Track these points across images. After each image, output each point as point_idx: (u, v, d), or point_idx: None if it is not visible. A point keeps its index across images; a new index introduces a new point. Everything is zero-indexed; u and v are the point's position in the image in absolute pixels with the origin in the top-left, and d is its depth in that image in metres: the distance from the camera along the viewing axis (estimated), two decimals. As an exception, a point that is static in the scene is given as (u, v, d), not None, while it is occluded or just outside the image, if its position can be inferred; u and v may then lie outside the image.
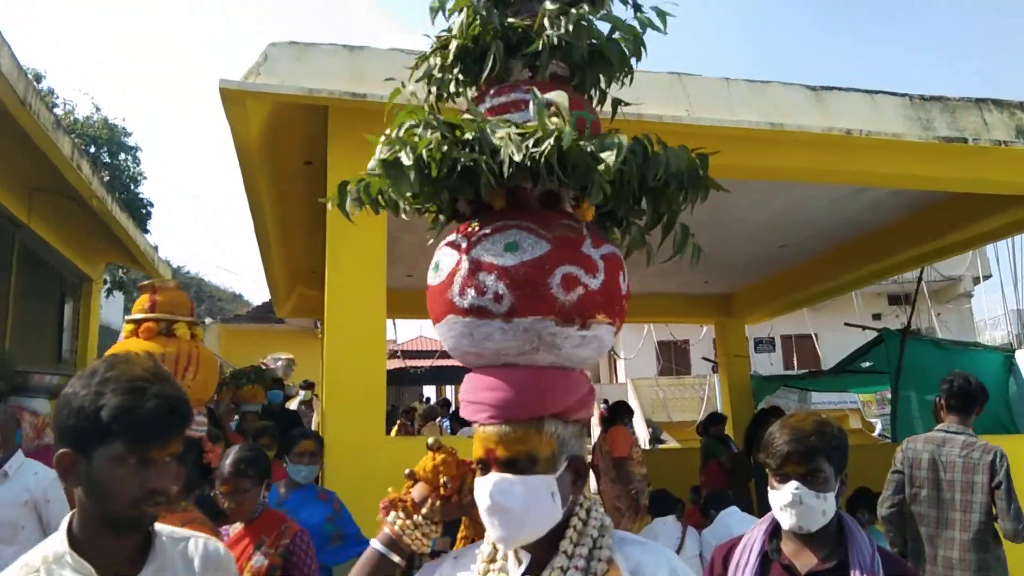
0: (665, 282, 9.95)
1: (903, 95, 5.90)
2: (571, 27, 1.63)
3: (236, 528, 3.07)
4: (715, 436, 8.59)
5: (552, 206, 1.62)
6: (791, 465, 2.06)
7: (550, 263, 1.48)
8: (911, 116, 5.79)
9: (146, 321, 3.24)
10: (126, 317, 3.39)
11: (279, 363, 9.04)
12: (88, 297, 10.59)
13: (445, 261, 1.58)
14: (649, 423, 20.13)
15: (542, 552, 1.44)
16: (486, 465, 1.45)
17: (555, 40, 1.63)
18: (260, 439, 5.45)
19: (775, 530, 2.17)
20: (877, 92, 5.85)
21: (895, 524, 4.29)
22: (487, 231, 1.54)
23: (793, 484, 2.05)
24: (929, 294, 19.05)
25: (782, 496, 2.07)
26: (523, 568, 1.45)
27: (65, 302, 9.91)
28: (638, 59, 1.76)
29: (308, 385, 11.72)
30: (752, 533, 2.20)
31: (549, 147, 1.42)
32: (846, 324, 10.84)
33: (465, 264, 1.52)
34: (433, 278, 1.60)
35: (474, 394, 1.51)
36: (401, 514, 1.60)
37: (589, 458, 7.29)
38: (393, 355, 19.84)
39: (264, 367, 8.40)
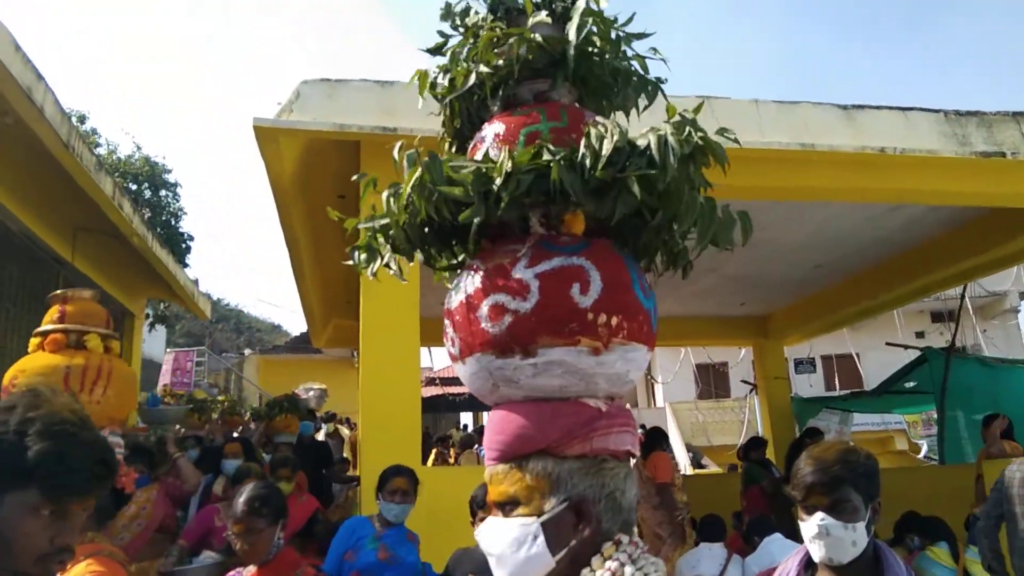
0: (701, 304, 9.87)
1: (937, 111, 5.82)
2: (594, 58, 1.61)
3: (250, 571, 2.88)
4: (756, 461, 8.45)
5: (522, 230, 1.54)
6: (816, 496, 2.01)
7: (477, 297, 1.43)
8: (946, 132, 5.71)
9: (53, 333, 3.02)
10: (35, 330, 3.16)
11: (311, 393, 8.95)
12: (130, 332, 10.80)
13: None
14: (689, 447, 19.88)
15: None
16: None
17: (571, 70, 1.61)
18: (278, 471, 5.34)
19: (810, 560, 2.12)
20: (910, 109, 5.78)
21: (990, 537, 4.67)
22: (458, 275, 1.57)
23: (819, 515, 2.00)
24: (973, 310, 18.62)
25: (809, 528, 2.02)
26: None
27: (108, 337, 10.11)
28: (650, 99, 1.73)
29: (331, 417, 11.74)
30: (787, 564, 2.15)
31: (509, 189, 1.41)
32: (887, 344, 10.65)
33: (446, 318, 1.55)
34: None
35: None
36: None
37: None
38: (430, 382, 19.87)
39: (294, 395, 8.32)
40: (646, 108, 1.78)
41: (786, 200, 5.80)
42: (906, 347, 10.29)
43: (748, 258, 7.70)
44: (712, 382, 23.13)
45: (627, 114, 1.79)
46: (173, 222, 16.09)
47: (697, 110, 1.57)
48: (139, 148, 16.73)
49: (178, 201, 16.58)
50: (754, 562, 4.92)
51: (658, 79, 1.71)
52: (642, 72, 1.70)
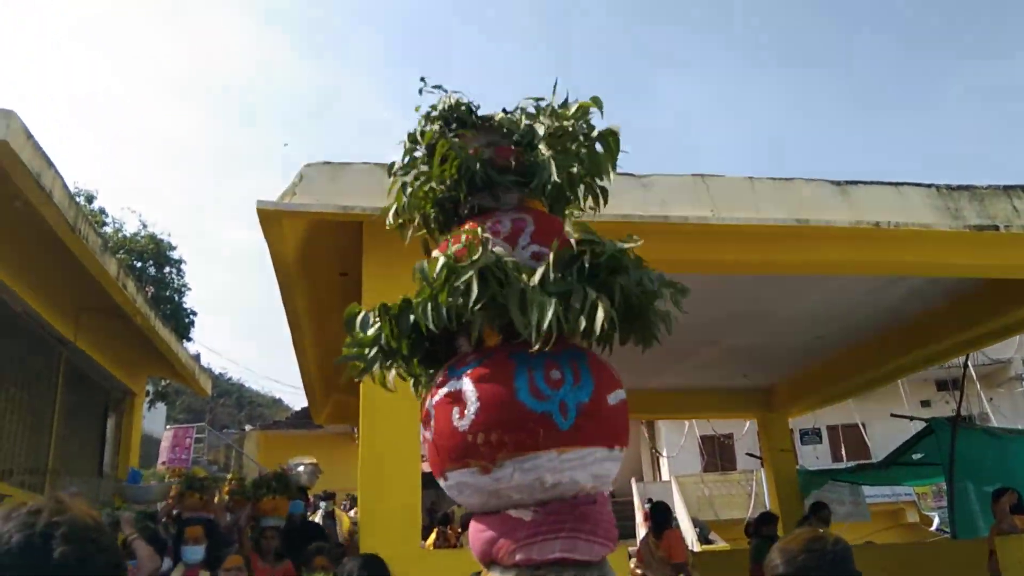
0: (703, 376, 9.83)
1: (929, 185, 5.92)
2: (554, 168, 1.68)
3: None
4: (766, 536, 8.29)
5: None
6: None
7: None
8: (939, 206, 5.79)
9: None
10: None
11: (301, 468, 7.84)
12: (131, 410, 10.76)
13: None
14: (696, 522, 19.48)
15: None
16: None
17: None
18: (313, 561, 4.99)
19: None
20: (902, 184, 5.87)
21: None
22: None
23: None
24: (978, 379, 18.49)
25: None
26: None
27: (108, 416, 10.07)
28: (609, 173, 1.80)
29: (328, 496, 11.16)
30: None
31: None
32: (892, 415, 10.56)
33: None
34: None
35: None
36: None
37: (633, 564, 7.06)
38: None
39: (283, 472, 7.34)
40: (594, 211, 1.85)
41: (784, 275, 5.85)
42: (912, 418, 10.20)
43: (750, 330, 7.72)
44: (718, 454, 22.84)
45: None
46: (176, 298, 16.20)
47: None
48: (144, 226, 16.98)
49: (182, 278, 16.74)
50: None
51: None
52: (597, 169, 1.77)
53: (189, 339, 16.05)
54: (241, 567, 3.78)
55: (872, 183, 5.83)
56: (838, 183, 5.78)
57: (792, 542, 2.09)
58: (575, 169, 1.70)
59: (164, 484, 6.86)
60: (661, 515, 7.40)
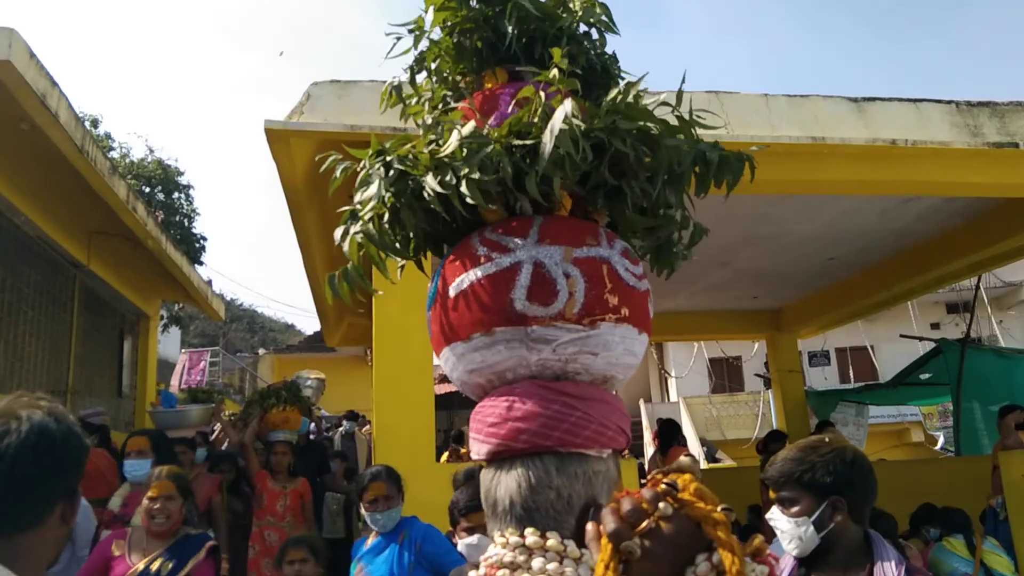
0: (714, 298, 9.85)
1: (949, 102, 5.79)
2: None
3: None
4: (775, 454, 8.42)
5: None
6: (772, 491, 2.12)
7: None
8: (958, 123, 5.68)
9: None
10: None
11: (308, 383, 7.23)
12: (146, 333, 10.90)
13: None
14: (703, 442, 19.85)
15: None
16: None
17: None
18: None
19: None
20: (921, 100, 5.75)
21: None
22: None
23: (773, 508, 2.10)
24: (989, 301, 18.49)
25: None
26: None
27: (124, 339, 10.22)
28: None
29: (352, 416, 10.83)
30: (784, 561, 2.20)
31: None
32: (901, 336, 10.59)
33: None
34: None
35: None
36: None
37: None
38: (444, 379, 19.92)
39: (295, 381, 6.89)
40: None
41: (798, 194, 5.78)
42: (921, 339, 10.24)
43: (761, 251, 7.68)
44: (726, 376, 23.08)
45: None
46: (187, 224, 16.22)
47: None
48: (152, 151, 16.89)
49: (191, 203, 16.72)
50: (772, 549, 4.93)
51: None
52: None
53: (200, 264, 16.13)
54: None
55: (890, 99, 5.72)
56: (855, 100, 5.66)
57: (785, 450, 2.15)
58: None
59: (205, 407, 6.40)
60: (667, 432, 7.50)
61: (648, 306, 1.28)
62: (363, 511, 3.70)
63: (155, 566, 3.34)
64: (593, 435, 1.12)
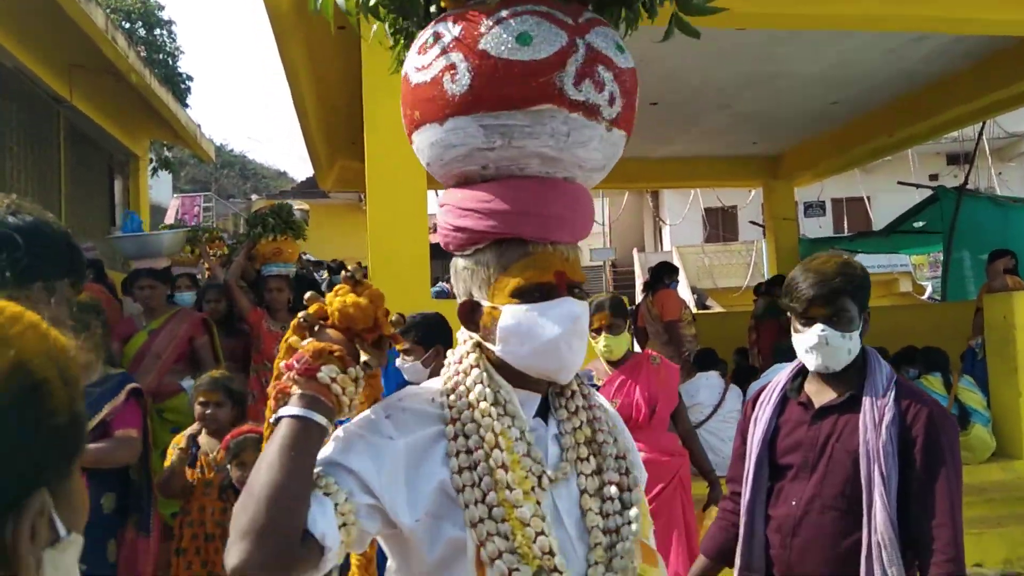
0: (711, 144, 9.69)
1: (971, -71, 5.46)
2: None
3: None
4: (776, 296, 8.48)
5: None
6: (816, 308, 2.07)
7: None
8: (978, -48, 5.37)
9: None
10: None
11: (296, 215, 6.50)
12: (136, 174, 10.77)
13: (545, 35, 1.22)
14: (694, 290, 20.19)
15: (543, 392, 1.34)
16: (549, 290, 1.24)
17: None
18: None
19: (799, 372, 2.22)
20: (942, -73, 5.41)
21: None
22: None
23: (819, 327, 2.06)
24: (990, 152, 18.27)
25: (808, 339, 2.09)
26: (533, 410, 1.32)
27: (114, 179, 10.10)
28: None
29: (339, 267, 10.23)
30: (780, 376, 2.26)
31: None
32: (899, 183, 10.53)
33: (583, 49, 1.23)
34: (520, 52, 1.21)
35: (549, 206, 1.25)
36: (335, 367, 1.20)
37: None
38: (436, 229, 20.00)
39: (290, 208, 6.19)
40: None
41: (803, 30, 5.56)
42: (918, 186, 10.20)
43: (763, 93, 7.48)
44: (720, 225, 23.14)
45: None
46: (170, 62, 15.64)
47: None
48: (128, -18, 15.99)
49: (174, 40, 16.05)
50: (757, 385, 5.09)
51: None
52: None
53: (186, 106, 15.70)
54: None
55: (909, -75, 5.38)
56: (872, -75, 5.32)
57: (825, 265, 2.11)
58: None
59: (175, 234, 5.71)
60: (654, 274, 7.58)
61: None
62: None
63: None
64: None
